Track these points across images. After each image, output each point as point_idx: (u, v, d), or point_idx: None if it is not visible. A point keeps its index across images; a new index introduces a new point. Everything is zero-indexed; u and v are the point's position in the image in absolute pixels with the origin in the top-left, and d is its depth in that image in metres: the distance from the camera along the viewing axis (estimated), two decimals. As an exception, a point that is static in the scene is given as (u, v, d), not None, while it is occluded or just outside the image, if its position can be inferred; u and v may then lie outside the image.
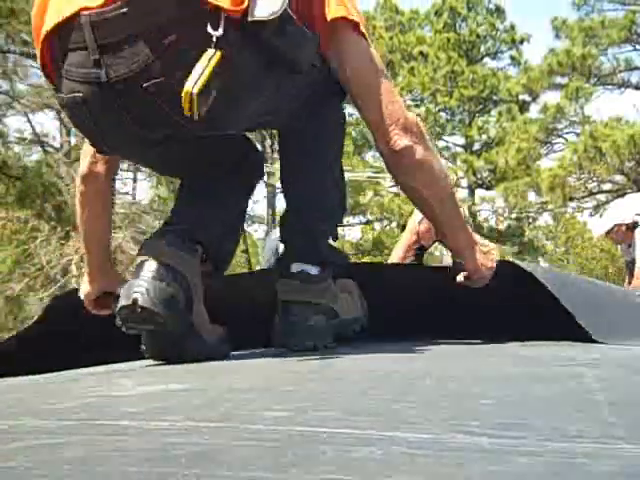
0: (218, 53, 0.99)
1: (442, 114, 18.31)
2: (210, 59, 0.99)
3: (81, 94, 1.05)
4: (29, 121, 17.23)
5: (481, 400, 0.74)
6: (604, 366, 1.06)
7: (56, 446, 0.58)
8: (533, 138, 15.31)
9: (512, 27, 18.00)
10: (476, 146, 17.92)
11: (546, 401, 0.74)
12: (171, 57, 1.01)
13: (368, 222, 18.50)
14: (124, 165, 19.00)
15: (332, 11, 1.21)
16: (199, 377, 1.09)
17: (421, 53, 17.10)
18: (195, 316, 1.19)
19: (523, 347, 1.40)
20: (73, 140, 17.93)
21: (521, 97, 17.08)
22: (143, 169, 19.30)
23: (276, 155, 16.37)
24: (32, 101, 16.54)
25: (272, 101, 1.18)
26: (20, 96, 15.89)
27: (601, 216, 15.92)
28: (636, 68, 15.62)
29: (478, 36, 17.82)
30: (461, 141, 18.26)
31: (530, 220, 19.44)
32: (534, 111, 16.85)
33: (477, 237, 1.45)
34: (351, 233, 20.27)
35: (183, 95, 0.97)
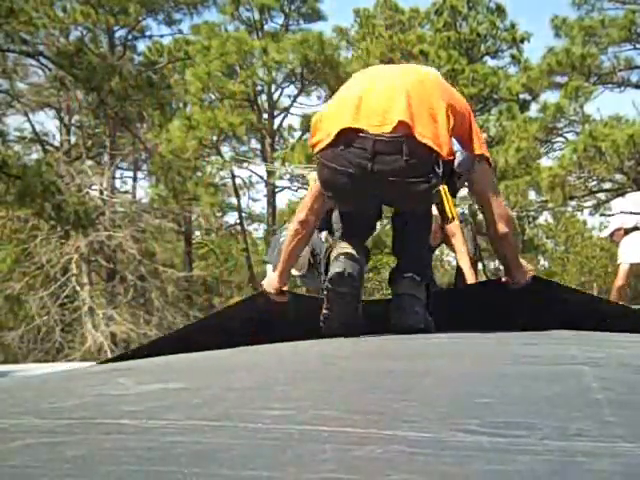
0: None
1: (442, 113, 18.30)
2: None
3: (352, 170, 1.85)
4: (29, 120, 17.24)
5: (481, 399, 0.74)
6: (604, 365, 1.06)
7: (56, 445, 0.58)
8: (533, 137, 15.26)
9: (512, 26, 17.94)
10: (476, 145, 17.89)
11: (546, 400, 0.74)
12: (410, 169, 1.83)
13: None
14: (124, 164, 18.92)
15: (477, 149, 2.05)
16: (198, 376, 1.09)
17: (421, 52, 17.04)
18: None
19: (524, 346, 1.40)
20: (73, 139, 17.91)
21: (521, 96, 17.04)
22: (143, 168, 19.31)
23: (275, 154, 16.35)
24: (32, 100, 16.54)
25: None
26: (20, 95, 15.88)
27: (601, 215, 15.91)
28: (636, 67, 15.59)
29: (479, 35, 17.76)
30: (461, 140, 18.23)
31: (530, 219, 19.42)
32: (534, 110, 16.81)
33: (522, 262, 2.18)
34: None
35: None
